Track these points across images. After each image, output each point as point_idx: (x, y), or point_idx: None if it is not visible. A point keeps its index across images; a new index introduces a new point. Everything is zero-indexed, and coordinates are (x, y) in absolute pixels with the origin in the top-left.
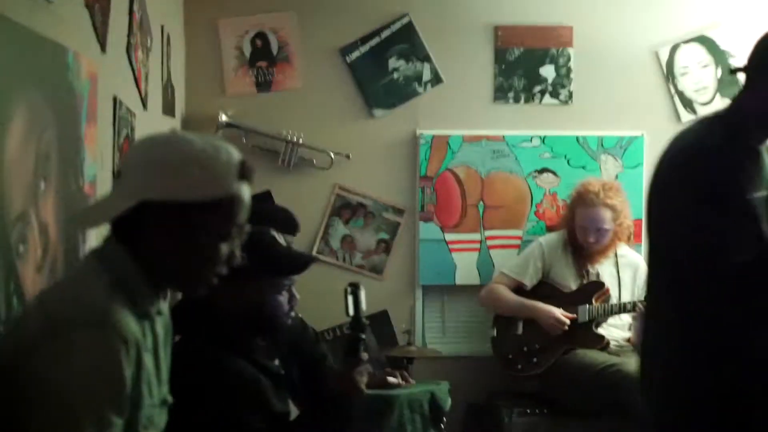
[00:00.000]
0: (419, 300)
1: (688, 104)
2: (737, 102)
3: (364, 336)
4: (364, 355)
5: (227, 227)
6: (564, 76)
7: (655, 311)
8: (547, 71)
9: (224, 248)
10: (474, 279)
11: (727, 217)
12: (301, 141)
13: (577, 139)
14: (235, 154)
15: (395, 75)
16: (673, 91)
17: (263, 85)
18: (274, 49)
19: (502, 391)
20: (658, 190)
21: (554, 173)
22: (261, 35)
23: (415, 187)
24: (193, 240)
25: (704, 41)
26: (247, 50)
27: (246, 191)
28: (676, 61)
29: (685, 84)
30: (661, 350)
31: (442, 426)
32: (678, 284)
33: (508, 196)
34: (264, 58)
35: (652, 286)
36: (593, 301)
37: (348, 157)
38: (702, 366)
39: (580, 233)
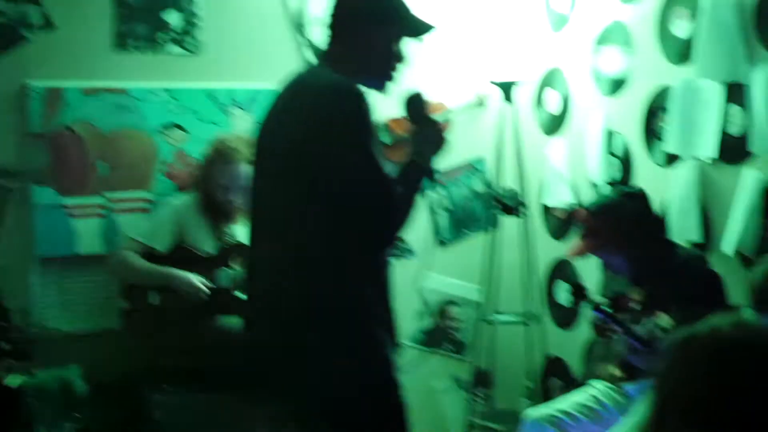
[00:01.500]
0: (36, 274)
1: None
2: (337, 52)
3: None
4: None
5: None
6: (191, 24)
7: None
8: (172, 17)
9: None
10: (99, 247)
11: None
12: None
13: (207, 92)
14: None
15: None
16: (303, 41)
17: None
18: None
19: (141, 368)
20: (299, 125)
21: (183, 129)
22: None
23: (26, 146)
24: None
25: None
26: None
27: None
28: (306, 11)
29: (315, 34)
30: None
31: (79, 414)
32: (324, 210)
33: (134, 154)
34: None
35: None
36: (232, 264)
37: None
38: (330, 288)
39: (219, 191)
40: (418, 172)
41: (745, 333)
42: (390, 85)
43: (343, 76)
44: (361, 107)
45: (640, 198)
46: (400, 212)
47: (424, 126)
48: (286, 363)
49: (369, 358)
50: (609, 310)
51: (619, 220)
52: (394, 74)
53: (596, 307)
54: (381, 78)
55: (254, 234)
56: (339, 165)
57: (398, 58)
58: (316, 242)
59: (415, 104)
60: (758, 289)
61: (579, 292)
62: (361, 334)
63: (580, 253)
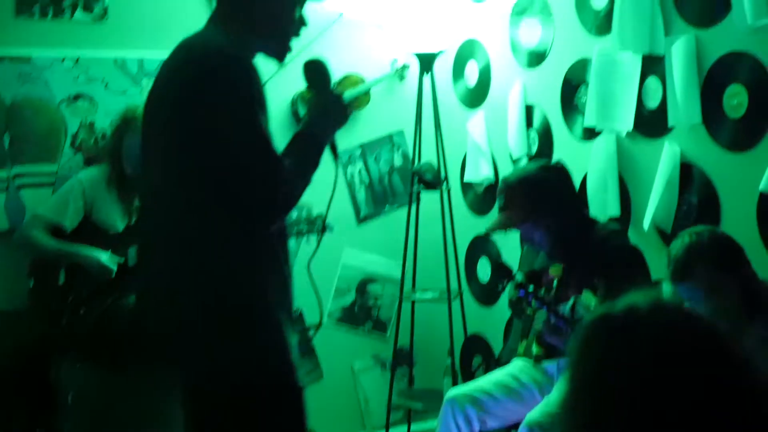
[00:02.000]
0: None
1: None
2: (230, 14)
3: None
4: None
5: None
6: None
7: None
8: None
9: None
10: (2, 224)
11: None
12: None
13: (115, 60)
14: None
15: None
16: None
17: None
18: None
19: (49, 348)
20: (180, 96)
21: (91, 99)
22: None
23: None
24: None
25: None
26: None
27: None
28: None
29: None
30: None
31: None
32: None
33: (40, 126)
34: None
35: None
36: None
37: None
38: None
39: (128, 164)
40: (312, 143)
41: (661, 312)
42: (288, 54)
43: (233, 44)
44: (243, 77)
45: (559, 171)
46: (289, 185)
47: (322, 96)
48: (178, 343)
49: (264, 339)
50: (530, 288)
51: (539, 193)
52: (293, 41)
53: (518, 285)
54: (281, 45)
55: (143, 209)
56: (220, 137)
57: (300, 22)
58: (201, 218)
59: (315, 71)
60: (675, 260)
61: (500, 269)
62: (254, 314)
63: (500, 227)
